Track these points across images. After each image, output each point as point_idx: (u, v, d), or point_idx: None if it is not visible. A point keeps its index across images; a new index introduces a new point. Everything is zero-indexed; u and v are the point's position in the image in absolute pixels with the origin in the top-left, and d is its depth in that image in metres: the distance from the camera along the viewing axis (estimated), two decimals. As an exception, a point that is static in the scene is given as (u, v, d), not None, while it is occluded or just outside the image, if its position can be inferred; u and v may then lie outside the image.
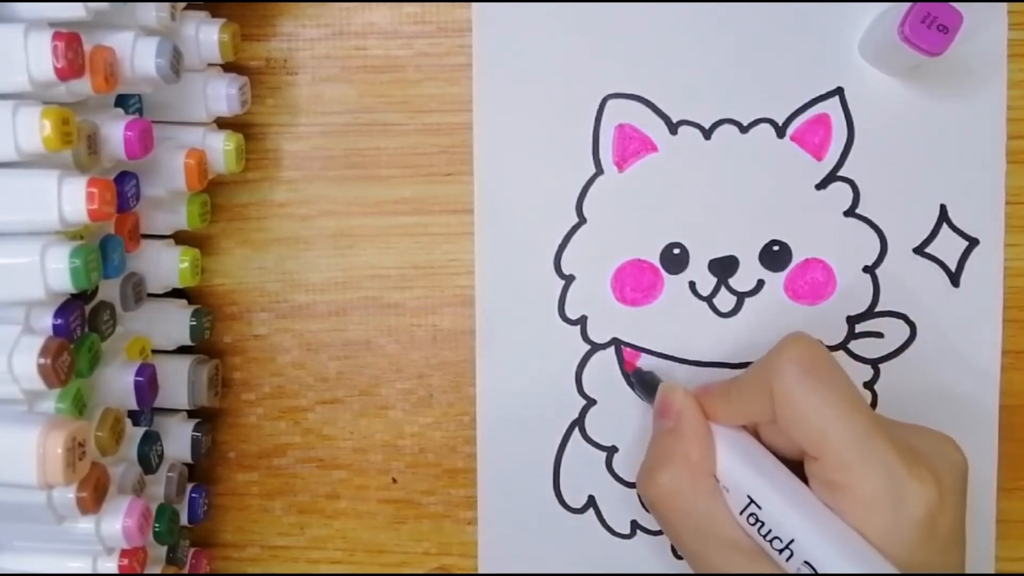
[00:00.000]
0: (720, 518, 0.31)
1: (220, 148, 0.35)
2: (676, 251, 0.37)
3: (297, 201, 0.38)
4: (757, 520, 0.30)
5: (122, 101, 0.32)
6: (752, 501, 0.30)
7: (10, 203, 0.27)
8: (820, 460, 0.30)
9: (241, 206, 0.38)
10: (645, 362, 0.38)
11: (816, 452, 0.30)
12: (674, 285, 0.38)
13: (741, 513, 0.31)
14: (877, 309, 0.38)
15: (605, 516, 0.39)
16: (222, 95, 0.34)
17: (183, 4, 0.33)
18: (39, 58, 0.26)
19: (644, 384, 0.37)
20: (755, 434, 0.33)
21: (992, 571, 0.38)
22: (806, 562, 0.29)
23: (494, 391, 0.38)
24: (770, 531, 0.30)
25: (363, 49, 0.37)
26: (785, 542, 0.30)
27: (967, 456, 0.32)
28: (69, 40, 0.26)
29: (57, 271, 0.27)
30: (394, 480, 0.39)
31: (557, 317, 0.38)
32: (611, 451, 0.38)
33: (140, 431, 0.33)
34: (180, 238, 0.36)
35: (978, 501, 0.37)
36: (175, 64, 0.31)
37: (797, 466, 0.31)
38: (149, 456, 0.33)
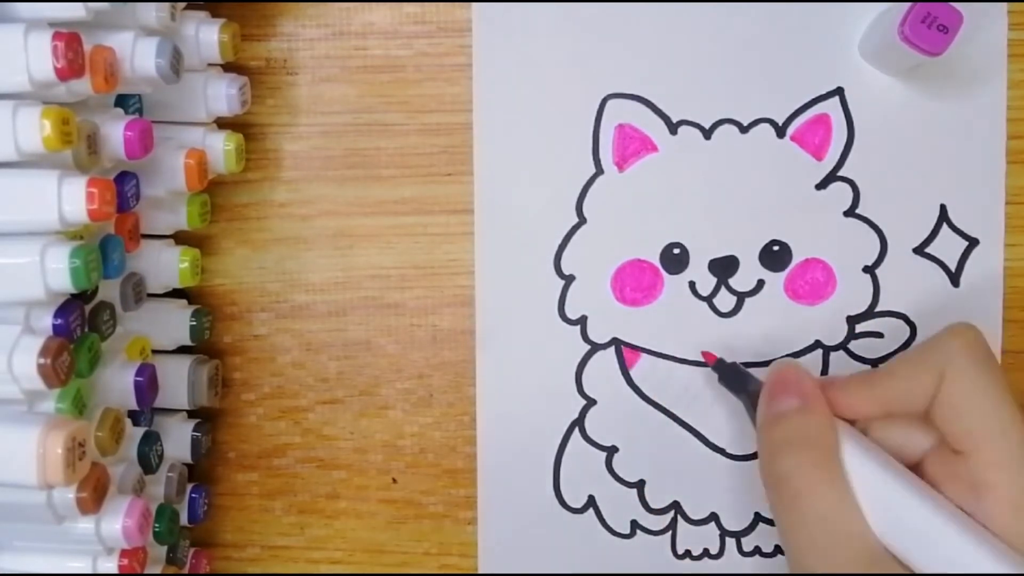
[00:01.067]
0: (855, 512, 0.29)
1: (220, 148, 0.35)
2: (676, 251, 0.37)
3: (297, 201, 0.38)
4: (889, 522, 0.28)
5: (122, 101, 0.32)
6: (883, 500, 0.29)
7: (10, 203, 0.27)
8: (970, 457, 0.28)
9: (241, 206, 0.38)
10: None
11: (972, 446, 0.28)
12: (674, 285, 0.38)
13: (870, 514, 0.29)
14: (877, 309, 0.38)
15: (605, 516, 0.39)
16: (222, 95, 0.34)
17: (183, 4, 0.33)
18: (39, 58, 0.26)
19: (732, 377, 0.35)
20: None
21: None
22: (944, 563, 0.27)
23: (494, 391, 0.38)
24: (905, 534, 0.28)
25: (363, 49, 0.37)
26: (925, 548, 0.28)
27: None
28: (69, 40, 0.26)
29: (57, 271, 0.27)
30: (394, 480, 0.39)
31: (557, 317, 0.38)
32: (611, 451, 0.38)
33: (140, 431, 0.33)
34: (180, 238, 0.36)
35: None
36: (175, 64, 0.31)
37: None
38: (149, 456, 0.33)
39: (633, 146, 0.37)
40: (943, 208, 0.37)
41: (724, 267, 0.37)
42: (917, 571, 0.28)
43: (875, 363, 0.38)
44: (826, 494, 0.29)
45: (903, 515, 0.29)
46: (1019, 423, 0.28)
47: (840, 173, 0.37)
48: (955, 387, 0.29)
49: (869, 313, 0.38)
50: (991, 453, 0.28)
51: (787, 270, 0.37)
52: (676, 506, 0.39)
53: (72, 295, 0.28)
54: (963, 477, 0.29)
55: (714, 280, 0.37)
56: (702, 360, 0.38)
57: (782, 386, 0.32)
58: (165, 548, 0.35)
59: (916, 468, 0.30)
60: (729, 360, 0.36)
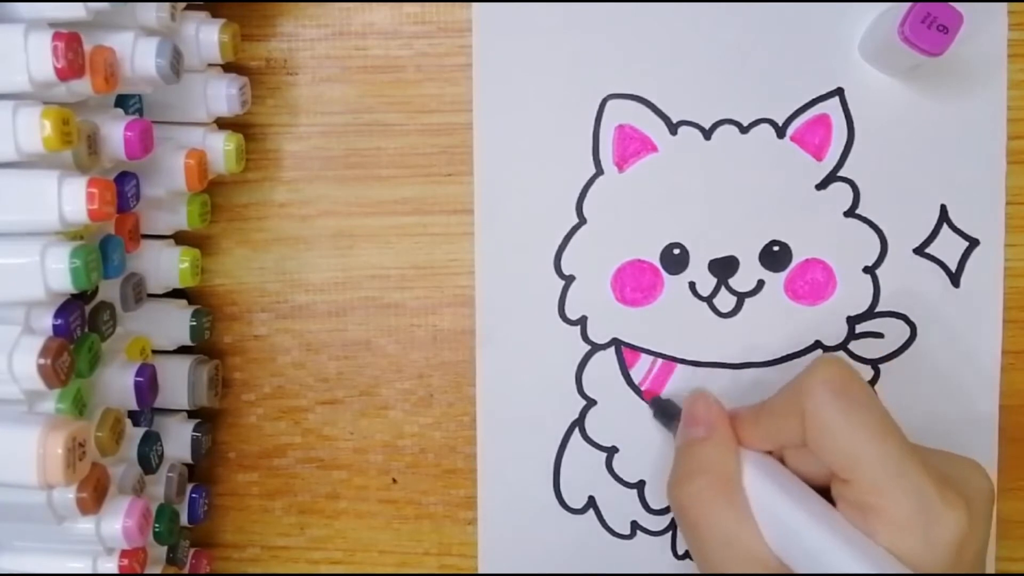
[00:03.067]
0: (748, 531, 0.31)
1: (220, 148, 0.35)
2: (676, 251, 0.37)
3: (297, 201, 0.38)
4: (783, 540, 0.30)
5: (122, 101, 0.32)
6: (778, 520, 0.30)
7: (10, 203, 0.27)
8: (851, 483, 0.30)
9: (241, 206, 0.38)
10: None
11: (847, 474, 0.30)
12: (674, 285, 0.38)
13: (767, 533, 0.31)
14: (877, 309, 0.38)
15: (605, 516, 0.39)
16: (222, 95, 0.34)
17: (183, 4, 0.33)
18: (39, 58, 0.26)
19: (664, 412, 0.37)
20: (781, 460, 0.33)
21: (992, 571, 0.38)
22: None
23: (494, 391, 0.38)
24: (796, 550, 0.30)
25: (363, 49, 0.37)
26: (813, 561, 0.29)
27: (966, 456, 0.32)
28: (69, 40, 0.26)
29: (57, 271, 0.27)
30: (394, 480, 0.39)
31: (557, 317, 0.38)
32: (611, 451, 0.38)
33: (140, 431, 0.33)
34: (180, 238, 0.36)
35: (978, 501, 0.37)
36: (175, 64, 0.31)
37: (823, 492, 0.31)
38: (149, 456, 0.33)
39: (633, 146, 0.37)
40: (943, 208, 0.37)
41: (724, 267, 0.37)
42: None
43: (875, 363, 0.38)
44: (722, 516, 0.31)
45: (795, 532, 0.30)
46: (889, 448, 0.29)
47: (840, 173, 0.37)
48: (815, 422, 0.30)
49: (869, 313, 0.38)
50: (866, 479, 0.29)
51: (787, 270, 0.37)
52: (676, 506, 0.39)
53: (72, 295, 0.28)
54: (850, 500, 0.30)
55: (714, 280, 0.37)
56: (702, 360, 0.38)
57: (691, 417, 0.34)
58: (165, 548, 0.35)
59: (826, 491, 0.31)
60: (730, 361, 0.36)
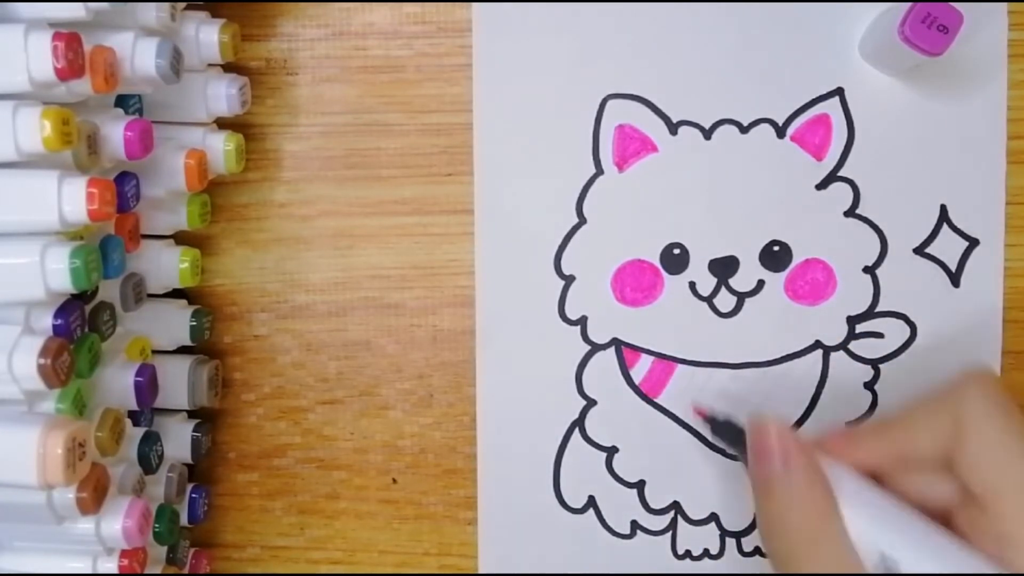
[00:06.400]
0: (851, 564, 0.28)
1: (220, 148, 0.35)
2: (676, 251, 0.37)
3: (297, 201, 0.38)
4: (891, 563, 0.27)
5: (122, 101, 0.32)
6: (885, 557, 0.28)
7: (10, 203, 0.27)
8: (991, 509, 0.28)
9: (241, 206, 0.38)
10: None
11: (994, 498, 0.28)
12: (674, 285, 0.38)
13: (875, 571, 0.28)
14: (877, 309, 0.38)
15: (605, 516, 0.39)
16: (222, 95, 0.34)
17: (183, 4, 0.33)
18: (39, 58, 0.26)
19: (724, 432, 0.33)
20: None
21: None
22: None
23: (494, 391, 0.38)
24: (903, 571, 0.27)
25: (363, 49, 0.37)
26: None
27: None
28: (69, 40, 0.26)
29: (57, 271, 0.27)
30: (394, 480, 0.39)
31: (557, 317, 0.38)
32: (611, 451, 0.38)
33: (140, 431, 0.33)
34: (180, 238, 0.36)
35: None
36: (175, 64, 0.31)
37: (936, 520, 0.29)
38: (149, 456, 0.33)
39: (633, 146, 0.37)
40: (943, 208, 0.37)
41: (724, 267, 0.37)
42: None
43: (875, 363, 0.38)
44: (827, 555, 0.28)
45: (902, 557, 0.27)
46: None
47: (840, 173, 0.37)
48: (973, 437, 0.28)
49: (869, 313, 0.38)
50: (1014, 506, 0.27)
51: (787, 270, 0.37)
52: (676, 506, 0.39)
53: (72, 295, 0.28)
54: (987, 530, 0.28)
55: (714, 280, 0.37)
56: (702, 360, 0.38)
57: (760, 449, 0.30)
58: (165, 548, 0.35)
59: (944, 518, 0.29)
60: (730, 361, 0.35)
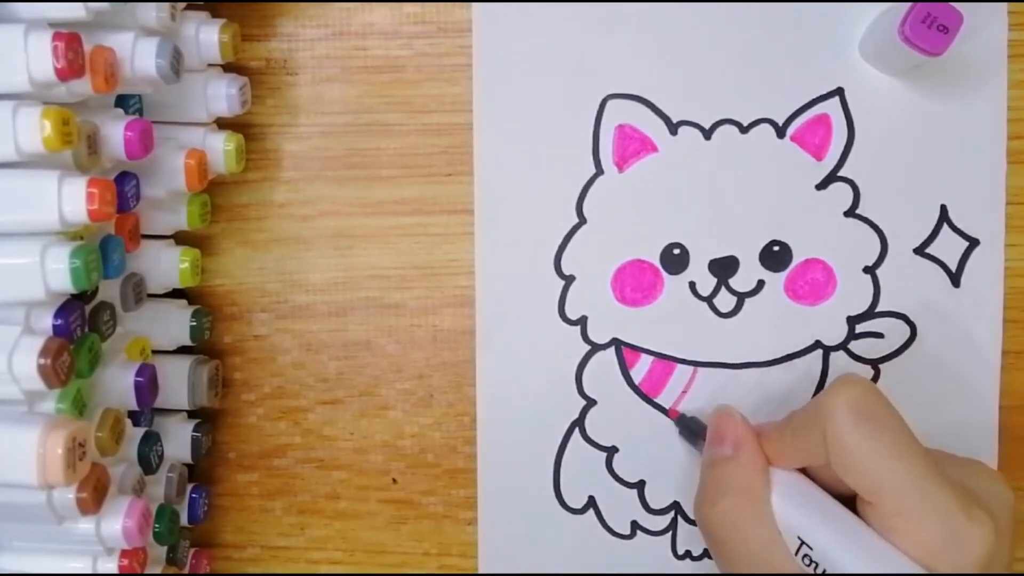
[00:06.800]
0: (778, 550, 0.30)
1: (220, 148, 0.35)
2: (676, 251, 0.37)
3: (297, 201, 0.38)
4: (811, 561, 0.30)
5: (122, 101, 0.32)
6: (803, 543, 0.30)
7: (10, 203, 0.27)
8: (876, 506, 0.29)
9: (241, 206, 0.38)
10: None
11: (872, 497, 0.29)
12: (674, 285, 0.38)
13: (796, 554, 0.30)
14: (877, 309, 0.38)
15: (605, 516, 0.39)
16: (222, 95, 0.34)
17: (183, 4, 0.33)
18: (39, 58, 0.26)
19: (689, 429, 0.37)
20: (808, 473, 0.32)
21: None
22: None
23: (494, 391, 0.38)
24: (825, 571, 0.30)
25: (363, 49, 0.37)
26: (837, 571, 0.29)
27: (967, 456, 0.32)
28: (69, 40, 0.26)
29: (57, 271, 0.27)
30: (394, 480, 0.39)
31: (557, 317, 0.38)
32: (611, 451, 0.38)
33: (140, 431, 0.33)
34: (180, 238, 0.36)
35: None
36: (175, 64, 0.31)
37: (854, 503, 0.31)
38: (149, 456, 0.33)
39: (633, 146, 0.37)
40: (943, 208, 0.37)
41: (724, 267, 0.37)
42: None
43: (875, 363, 0.38)
44: (750, 535, 0.31)
45: (826, 552, 0.30)
46: (914, 471, 0.29)
47: (840, 173, 0.37)
48: (836, 447, 0.30)
49: (869, 313, 0.38)
50: (890, 503, 0.29)
51: (787, 270, 0.37)
52: (676, 506, 0.39)
53: (72, 295, 0.28)
54: (877, 521, 0.30)
55: (714, 280, 0.37)
56: (702, 360, 0.38)
57: (718, 435, 0.34)
58: (165, 548, 0.35)
59: (855, 504, 0.31)
60: (730, 361, 0.36)
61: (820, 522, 0.30)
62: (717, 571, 0.39)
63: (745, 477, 0.32)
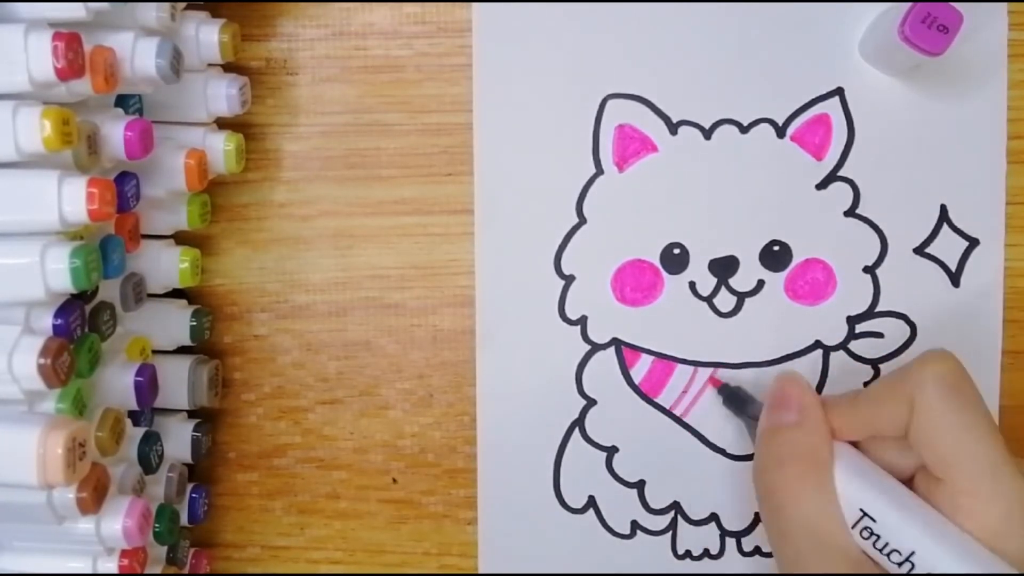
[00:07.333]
0: (836, 523, 0.30)
1: (220, 148, 0.35)
2: (676, 251, 0.37)
3: (297, 201, 0.38)
4: (872, 534, 0.29)
5: (122, 101, 0.32)
6: (865, 514, 0.30)
7: (10, 203, 0.27)
8: (946, 482, 0.29)
9: (241, 206, 0.38)
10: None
11: (945, 473, 0.29)
12: (674, 285, 0.38)
13: (853, 527, 0.30)
14: (877, 309, 0.38)
15: (605, 516, 0.39)
16: (222, 95, 0.34)
17: (183, 4, 0.33)
18: (39, 58, 0.26)
19: (734, 400, 0.37)
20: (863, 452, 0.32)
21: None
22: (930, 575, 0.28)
23: (494, 391, 0.38)
24: (887, 544, 0.29)
25: (363, 49, 0.37)
26: (905, 555, 0.29)
27: None
28: (69, 40, 0.26)
29: (57, 271, 0.27)
30: (394, 480, 0.39)
31: (557, 317, 0.38)
32: (611, 451, 0.38)
33: (140, 431, 0.33)
34: (180, 238, 0.36)
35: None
36: (175, 64, 0.31)
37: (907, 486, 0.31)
38: (149, 456, 0.33)
39: (633, 146, 0.37)
40: (943, 208, 0.37)
41: (724, 267, 0.37)
42: None
43: (875, 363, 0.38)
44: (811, 504, 0.30)
45: (891, 529, 0.29)
46: (991, 451, 0.29)
47: (840, 173, 0.37)
48: (923, 417, 0.29)
49: (869, 313, 0.38)
50: (963, 482, 0.29)
51: (787, 270, 0.37)
52: (676, 506, 0.39)
53: (72, 295, 0.28)
54: (942, 498, 0.29)
55: (714, 280, 0.37)
56: (702, 360, 0.38)
57: (782, 400, 0.33)
58: (165, 548, 0.35)
59: (909, 484, 0.31)
60: (730, 361, 0.36)
61: (885, 496, 0.30)
62: (716, 571, 0.39)
63: (811, 444, 0.31)
